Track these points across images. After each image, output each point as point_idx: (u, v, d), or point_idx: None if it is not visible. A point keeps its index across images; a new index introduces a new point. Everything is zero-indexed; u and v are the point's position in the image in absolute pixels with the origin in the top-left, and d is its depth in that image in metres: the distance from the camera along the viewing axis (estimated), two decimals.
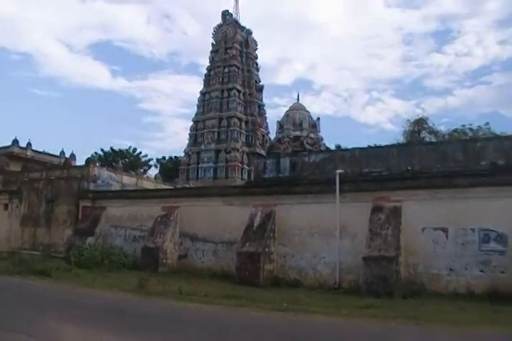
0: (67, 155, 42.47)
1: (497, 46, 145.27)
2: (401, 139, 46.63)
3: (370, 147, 29.61)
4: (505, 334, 10.41)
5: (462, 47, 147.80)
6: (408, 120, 50.43)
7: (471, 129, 48.07)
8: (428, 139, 45.81)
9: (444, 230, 16.88)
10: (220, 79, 67.67)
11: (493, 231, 16.26)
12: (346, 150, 27.93)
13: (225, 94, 66.76)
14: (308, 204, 19.36)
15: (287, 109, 57.19)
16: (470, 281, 16.20)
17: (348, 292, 16.76)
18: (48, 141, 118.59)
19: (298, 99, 59.87)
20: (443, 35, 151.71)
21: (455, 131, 48.86)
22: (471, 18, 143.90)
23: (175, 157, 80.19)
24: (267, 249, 19.11)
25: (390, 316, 12.01)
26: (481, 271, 16.23)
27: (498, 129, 45.77)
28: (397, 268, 16.38)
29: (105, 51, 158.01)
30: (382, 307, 13.32)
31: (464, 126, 49.09)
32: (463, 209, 16.70)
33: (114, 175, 29.04)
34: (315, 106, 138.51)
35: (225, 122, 65.60)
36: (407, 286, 16.41)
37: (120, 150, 76.65)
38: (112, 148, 76.41)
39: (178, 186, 39.58)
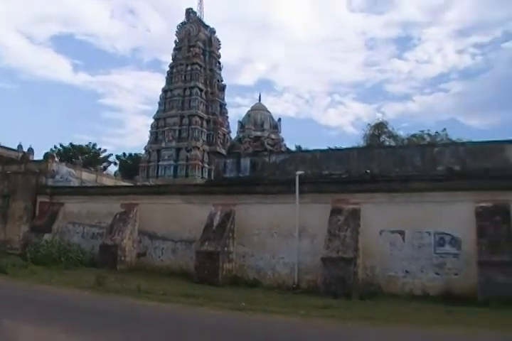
0: (25, 149, 41.62)
1: (455, 55, 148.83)
2: (361, 142, 47.26)
3: (330, 149, 29.80)
4: (456, 334, 10.66)
5: (422, 54, 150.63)
6: (369, 124, 51.23)
7: (429, 135, 49.03)
8: (388, 143, 46.50)
9: (401, 233, 17.25)
10: (183, 77, 67.33)
11: (448, 234, 16.74)
12: (307, 151, 28.04)
13: (187, 92, 66.48)
14: (268, 205, 19.47)
15: (249, 109, 57.42)
16: (425, 283, 16.65)
17: (306, 292, 16.91)
18: (6, 134, 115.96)
19: (259, 100, 60.12)
20: (404, 42, 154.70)
21: (414, 136, 49.73)
22: (432, 26, 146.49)
23: (135, 154, 79.44)
24: (226, 249, 19.16)
25: (347, 317, 12.19)
26: (436, 273, 16.69)
27: (455, 136, 46.95)
28: (355, 270, 16.68)
29: (67, 44, 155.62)
30: (340, 307, 13.51)
31: (422, 131, 50.07)
32: (419, 213, 17.11)
33: (73, 170, 28.65)
34: (277, 107, 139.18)
35: (186, 120, 65.32)
36: (365, 287, 16.72)
37: (80, 146, 75.47)
38: (71, 144, 75.19)
39: (137, 183, 39.33)
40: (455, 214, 16.73)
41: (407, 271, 16.98)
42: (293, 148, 55.88)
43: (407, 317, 12.43)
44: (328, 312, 12.84)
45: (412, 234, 17.15)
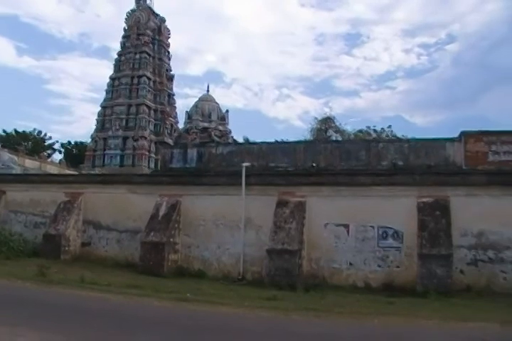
0: None
1: (402, 54, 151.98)
2: (308, 136, 47.69)
3: (277, 142, 30.02)
4: (396, 324, 11.00)
5: (370, 51, 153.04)
6: (316, 118, 51.90)
7: (375, 131, 50.21)
8: (334, 137, 47.13)
9: (346, 226, 17.54)
10: (131, 66, 66.32)
11: (391, 228, 17.16)
12: (254, 143, 28.17)
13: (135, 80, 65.57)
14: (214, 196, 19.41)
15: (197, 99, 57.22)
16: (368, 275, 17.07)
17: (251, 283, 17.03)
18: None
19: (208, 91, 60.17)
20: (353, 39, 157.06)
21: (360, 131, 50.75)
22: (380, 24, 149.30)
23: (80, 142, 78.00)
24: (171, 239, 19.06)
25: (292, 308, 12.32)
26: (379, 265, 17.11)
27: (399, 132, 48.30)
28: (300, 262, 16.93)
29: (11, 26, 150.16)
30: (285, 299, 13.62)
31: (368, 127, 51.29)
32: (364, 207, 17.44)
33: (15, 157, 28.02)
34: (225, 98, 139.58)
35: (133, 109, 64.46)
36: (309, 279, 16.93)
37: (24, 133, 73.80)
38: (15, 130, 73.48)
39: (83, 172, 38.71)
40: (398, 209, 17.17)
41: (350, 264, 17.33)
42: (241, 140, 56.02)
43: (350, 308, 12.66)
44: (272, 303, 12.94)
45: (356, 228, 17.47)
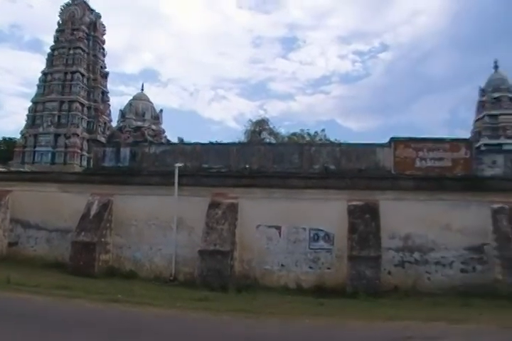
0: None
1: (337, 59, 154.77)
2: (243, 138, 47.90)
3: (211, 143, 30.11)
4: (325, 324, 11.24)
5: (306, 56, 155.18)
6: (250, 120, 52.20)
7: (308, 134, 51.04)
8: (268, 140, 47.54)
9: (278, 228, 17.81)
10: (64, 61, 64.55)
11: (322, 230, 17.58)
12: (188, 144, 28.06)
13: (68, 76, 63.88)
14: (146, 196, 19.26)
15: (131, 98, 56.46)
16: (300, 276, 17.41)
17: (183, 284, 17.02)
18: None
19: (142, 89, 59.36)
20: (290, 43, 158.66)
21: (294, 134, 51.43)
22: (317, 30, 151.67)
23: (9, 138, 75.30)
24: (102, 239, 18.79)
25: (223, 309, 12.39)
26: (310, 267, 17.51)
27: (333, 136, 49.24)
28: (232, 263, 17.05)
29: None
30: (216, 300, 13.70)
31: (302, 130, 52.09)
32: (296, 209, 17.72)
33: None
34: (160, 97, 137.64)
35: (66, 106, 62.72)
36: (241, 280, 17.08)
37: None
38: None
39: (11, 169, 37.53)
40: (329, 212, 17.58)
41: (282, 265, 17.60)
42: (175, 140, 55.57)
43: (281, 309, 12.89)
44: (204, 304, 12.98)
45: (288, 229, 17.76)
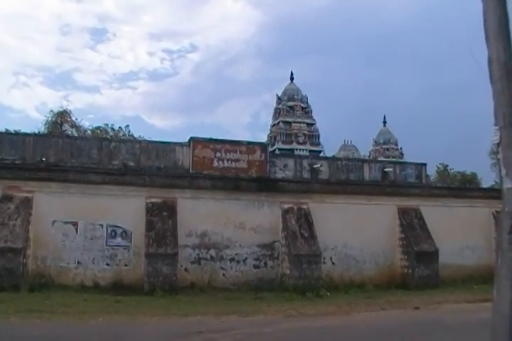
0: None
1: (146, 56, 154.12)
2: (42, 129, 45.66)
3: (5, 132, 28.46)
4: (120, 321, 11.36)
5: (115, 49, 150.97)
6: (52, 111, 49.64)
7: (113, 129, 50.31)
8: (70, 132, 45.82)
9: (75, 224, 17.43)
10: None
11: (120, 227, 17.65)
12: None
13: None
14: None
15: None
16: (97, 274, 17.26)
17: None
18: None
19: None
20: (99, 34, 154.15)
21: (98, 128, 50.38)
22: (128, 25, 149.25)
23: None
24: None
25: (13, 310, 11.86)
26: (107, 264, 17.45)
27: (137, 133, 49.15)
28: (25, 261, 16.24)
29: None
30: (6, 301, 13.03)
31: (107, 125, 51.12)
32: (94, 205, 17.53)
33: None
34: None
35: None
36: (35, 279, 16.33)
37: None
38: None
39: None
40: (128, 208, 17.73)
41: (79, 262, 17.29)
42: None
43: (76, 307, 12.76)
44: None
45: (85, 226, 17.49)
